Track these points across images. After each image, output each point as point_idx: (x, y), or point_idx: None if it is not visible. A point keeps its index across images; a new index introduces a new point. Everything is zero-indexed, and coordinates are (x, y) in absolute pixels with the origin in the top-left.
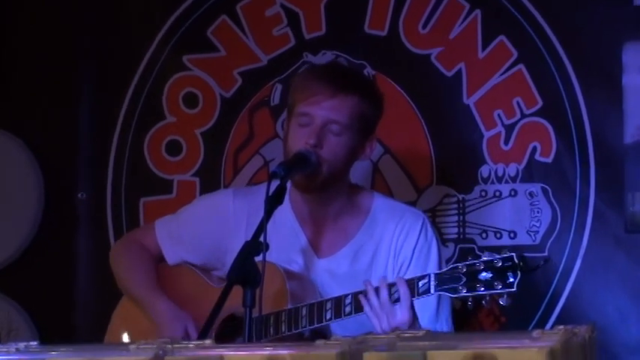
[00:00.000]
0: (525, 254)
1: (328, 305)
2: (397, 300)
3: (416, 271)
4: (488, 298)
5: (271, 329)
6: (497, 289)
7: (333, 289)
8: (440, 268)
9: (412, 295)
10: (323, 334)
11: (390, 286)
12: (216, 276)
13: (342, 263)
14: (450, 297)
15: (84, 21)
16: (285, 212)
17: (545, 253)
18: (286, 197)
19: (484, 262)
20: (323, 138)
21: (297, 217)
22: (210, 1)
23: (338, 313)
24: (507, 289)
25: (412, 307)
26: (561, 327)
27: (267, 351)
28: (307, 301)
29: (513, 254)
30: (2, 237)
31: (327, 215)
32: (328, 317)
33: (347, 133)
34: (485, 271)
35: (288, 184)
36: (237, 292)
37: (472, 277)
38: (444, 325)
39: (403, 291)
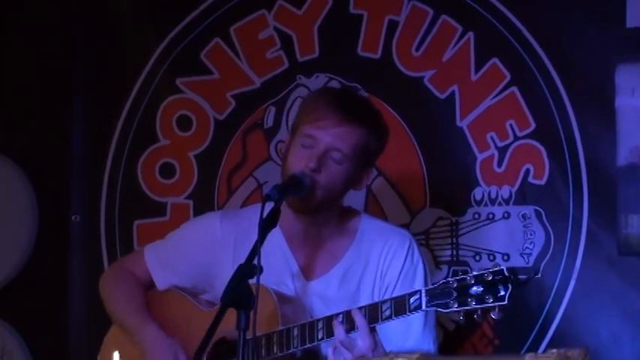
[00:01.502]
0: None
1: (320, 325)
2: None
3: (401, 293)
4: (480, 312)
5: (263, 350)
6: (488, 303)
7: (322, 311)
8: None
9: (375, 321)
10: (314, 353)
11: (347, 316)
12: (205, 300)
13: (331, 285)
14: (442, 312)
15: (78, 44)
16: (274, 234)
17: (539, 276)
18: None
19: (475, 276)
20: (323, 163)
21: (287, 239)
22: (203, 23)
23: (330, 333)
24: (499, 302)
25: (371, 332)
26: (554, 351)
27: None
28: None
29: (503, 267)
30: None
31: (317, 237)
32: (320, 337)
33: (347, 163)
34: (476, 285)
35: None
36: (227, 315)
37: (463, 291)
38: (431, 345)
39: (358, 319)
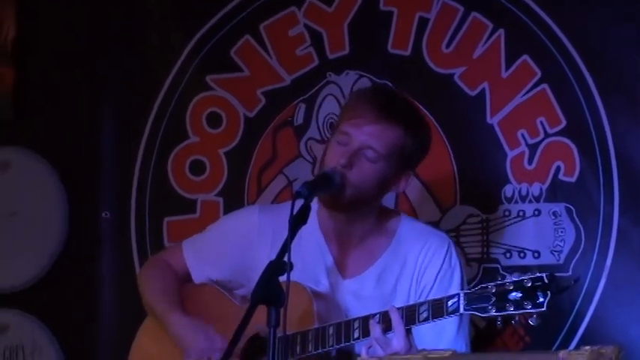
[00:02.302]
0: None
1: (356, 324)
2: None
3: (437, 296)
4: (517, 318)
5: (298, 348)
6: (526, 309)
7: (357, 311)
8: None
9: (411, 323)
10: (349, 353)
11: (384, 316)
12: (239, 295)
13: (367, 284)
14: (480, 317)
15: (107, 42)
16: (312, 231)
17: (569, 273)
18: (314, 216)
19: (514, 282)
20: (355, 161)
21: (324, 236)
22: (233, 21)
23: (366, 333)
24: (537, 309)
25: (407, 335)
26: (587, 348)
27: None
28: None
29: (543, 274)
30: (27, 257)
31: (353, 235)
32: (356, 336)
33: (382, 163)
34: (515, 291)
35: (317, 203)
36: (261, 311)
37: (502, 296)
38: (463, 349)
39: (395, 320)
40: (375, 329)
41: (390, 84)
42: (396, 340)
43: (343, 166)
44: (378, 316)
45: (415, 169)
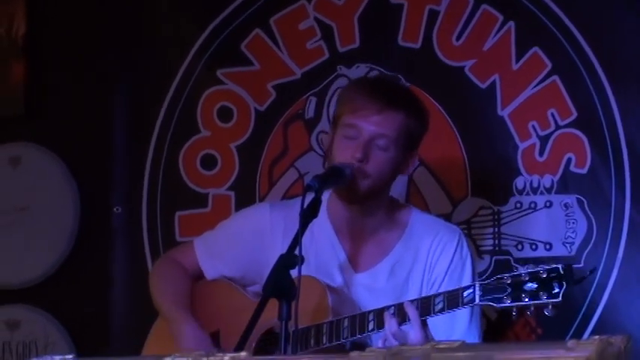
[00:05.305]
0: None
1: (370, 316)
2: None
3: (449, 288)
4: (532, 308)
5: (312, 341)
6: (542, 300)
7: (370, 304)
8: None
9: (427, 314)
10: (363, 346)
11: (399, 308)
12: (252, 291)
13: (379, 277)
14: (495, 308)
15: (118, 36)
16: (322, 225)
17: (581, 264)
18: (324, 210)
19: (529, 272)
20: (369, 152)
21: (335, 230)
22: (243, 15)
23: (380, 324)
24: (553, 300)
25: (423, 326)
26: (596, 337)
27: None
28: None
29: (559, 265)
30: (39, 251)
31: (366, 228)
32: (370, 328)
33: (392, 148)
34: (531, 282)
35: (328, 195)
36: (275, 306)
37: (517, 287)
38: (476, 339)
39: (411, 312)
40: (391, 322)
41: (400, 77)
42: (413, 332)
43: (359, 160)
44: (393, 308)
45: (418, 148)
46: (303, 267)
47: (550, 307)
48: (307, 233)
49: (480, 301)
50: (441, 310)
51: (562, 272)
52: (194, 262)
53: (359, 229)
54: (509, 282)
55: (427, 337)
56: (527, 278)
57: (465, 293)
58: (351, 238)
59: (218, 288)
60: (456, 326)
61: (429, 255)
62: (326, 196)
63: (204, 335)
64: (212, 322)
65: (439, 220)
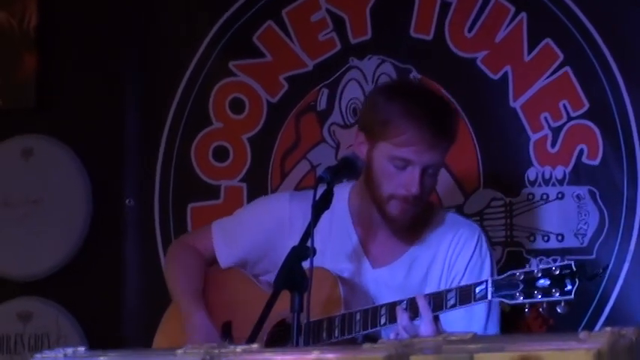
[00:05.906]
0: (577, 259)
1: (382, 310)
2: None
3: None
4: (545, 305)
5: (324, 334)
6: (554, 297)
7: (387, 299)
8: None
9: (439, 309)
10: (375, 339)
11: (411, 303)
12: (265, 281)
13: (397, 274)
14: (507, 304)
15: (130, 28)
16: (342, 218)
17: (593, 256)
18: (344, 202)
19: (542, 269)
20: (423, 183)
21: (354, 224)
22: (255, 6)
23: (392, 318)
24: (565, 297)
25: (435, 321)
26: (608, 329)
27: (314, 355)
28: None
29: (572, 262)
30: (51, 244)
31: (387, 227)
32: (382, 322)
33: (438, 171)
34: (543, 279)
35: (349, 188)
36: (287, 297)
37: (529, 284)
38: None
39: (423, 307)
40: (403, 317)
41: (412, 68)
42: (424, 326)
43: (416, 197)
44: (405, 302)
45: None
46: (317, 258)
47: (562, 304)
48: (325, 225)
49: (493, 297)
50: (454, 306)
51: (575, 269)
52: (209, 247)
53: (378, 227)
54: (521, 278)
55: (438, 331)
56: (539, 275)
57: (478, 289)
58: (370, 233)
59: (232, 277)
60: (474, 321)
61: (448, 252)
62: (347, 188)
63: (212, 326)
64: (224, 312)
65: (459, 218)
